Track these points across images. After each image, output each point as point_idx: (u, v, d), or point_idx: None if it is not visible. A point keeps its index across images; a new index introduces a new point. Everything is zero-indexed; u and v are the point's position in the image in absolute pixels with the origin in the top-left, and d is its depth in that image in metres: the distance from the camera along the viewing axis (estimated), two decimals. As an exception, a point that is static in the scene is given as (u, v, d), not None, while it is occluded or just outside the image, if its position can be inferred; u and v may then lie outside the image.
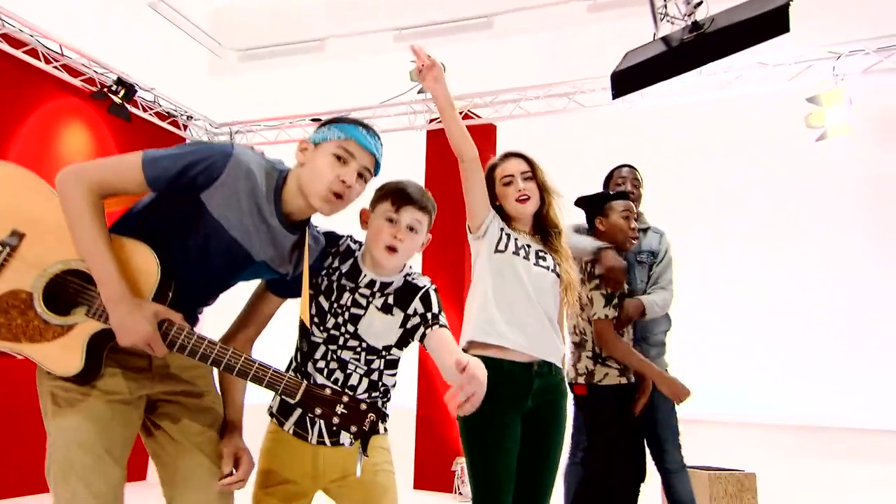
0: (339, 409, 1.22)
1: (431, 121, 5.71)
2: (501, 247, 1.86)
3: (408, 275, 1.61)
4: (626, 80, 3.27)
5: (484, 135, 5.87)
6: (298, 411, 1.46)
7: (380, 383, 1.55)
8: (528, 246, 1.92)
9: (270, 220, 1.34)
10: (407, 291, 1.57)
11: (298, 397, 1.21)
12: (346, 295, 1.52)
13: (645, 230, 2.65)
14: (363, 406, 1.21)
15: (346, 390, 1.39)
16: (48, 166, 4.69)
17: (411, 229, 1.50)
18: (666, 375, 2.34)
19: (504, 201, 1.95)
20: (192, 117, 6.01)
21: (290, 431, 1.49)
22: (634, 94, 4.05)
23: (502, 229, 1.91)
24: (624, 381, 2.27)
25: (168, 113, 5.77)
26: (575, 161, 6.82)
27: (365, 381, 1.51)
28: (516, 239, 1.91)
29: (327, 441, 1.50)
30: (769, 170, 6.22)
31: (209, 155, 1.25)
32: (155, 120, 5.66)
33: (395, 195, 1.50)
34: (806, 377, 5.85)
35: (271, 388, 1.25)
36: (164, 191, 1.29)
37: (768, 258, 6.41)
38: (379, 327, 1.53)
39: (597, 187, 7.94)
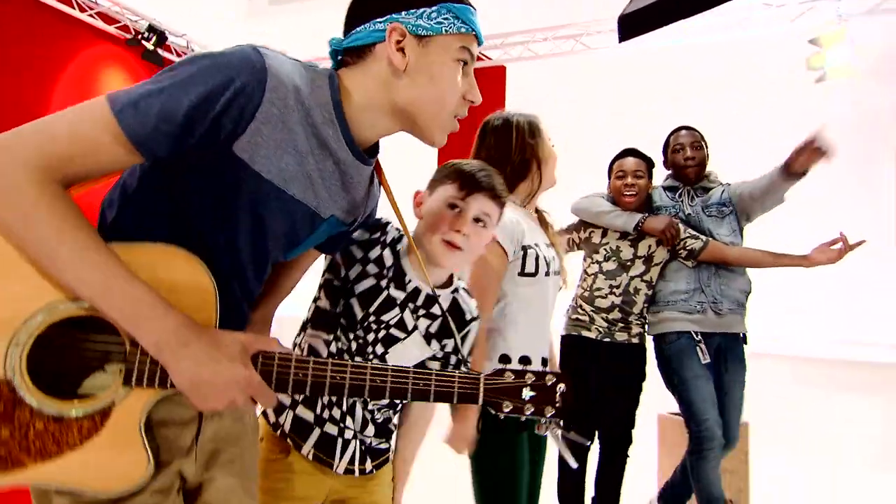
0: (527, 392, 0.85)
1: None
2: (530, 268, 1.42)
3: (456, 290, 1.19)
4: (633, 23, 3.18)
5: (494, 76, 5.81)
6: (318, 430, 1.04)
7: (389, 425, 1.15)
8: (548, 253, 1.51)
9: (340, 154, 0.83)
10: (455, 317, 1.14)
11: (481, 398, 0.82)
12: (395, 310, 1.09)
13: (708, 189, 2.42)
14: (548, 377, 0.85)
15: (515, 369, 0.87)
16: None
17: (479, 222, 1.11)
18: None
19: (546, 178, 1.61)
20: (222, 58, 6.03)
21: (310, 456, 1.04)
22: (640, 36, 4.00)
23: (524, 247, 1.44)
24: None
25: (200, 56, 5.80)
26: (582, 103, 6.74)
27: (371, 426, 1.08)
28: (538, 249, 1.46)
29: (356, 470, 1.08)
30: (770, 111, 6.06)
31: (231, 78, 0.69)
32: (189, 64, 5.70)
33: (464, 178, 1.12)
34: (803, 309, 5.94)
35: (445, 400, 0.83)
36: (163, 158, 0.72)
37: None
38: (412, 358, 1.11)
39: (602, 129, 7.84)
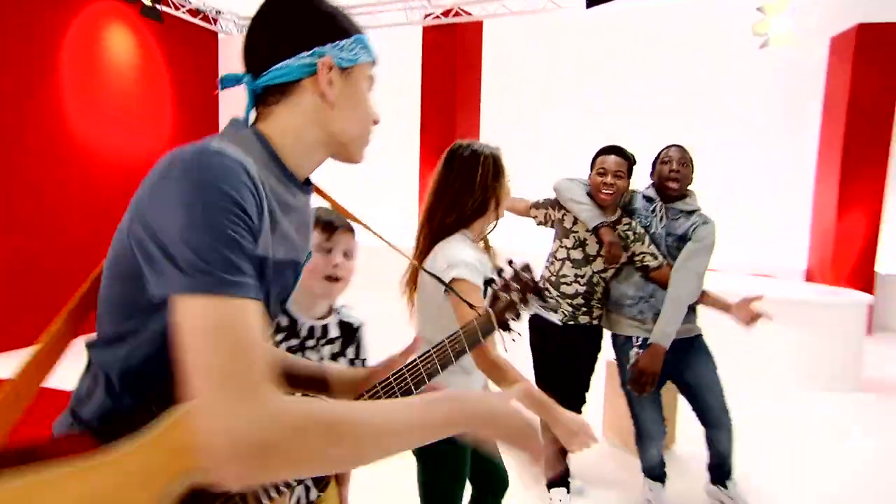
0: (514, 289, 1.06)
1: (427, 16, 5.80)
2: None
3: (338, 311, 1.33)
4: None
5: (473, 31, 6.03)
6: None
7: None
8: None
9: (297, 201, 0.82)
10: (346, 332, 1.31)
11: (496, 322, 1.02)
12: (298, 354, 1.23)
13: (689, 213, 2.31)
14: (514, 268, 1.06)
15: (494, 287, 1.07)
16: (97, 69, 4.92)
17: (346, 255, 1.25)
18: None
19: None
20: (220, 12, 6.01)
21: None
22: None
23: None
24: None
25: (198, 10, 5.76)
26: (552, 58, 7.01)
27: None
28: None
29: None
30: (733, 72, 6.45)
31: (228, 193, 0.61)
32: (188, 17, 5.67)
33: (325, 224, 1.23)
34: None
35: (476, 343, 1.00)
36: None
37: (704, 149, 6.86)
38: None
39: (569, 83, 8.13)
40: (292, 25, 0.77)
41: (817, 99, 5.78)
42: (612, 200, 2.22)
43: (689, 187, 2.34)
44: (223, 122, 5.57)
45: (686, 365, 2.27)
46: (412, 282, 1.61)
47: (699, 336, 2.33)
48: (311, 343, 1.24)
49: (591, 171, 2.28)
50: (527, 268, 1.07)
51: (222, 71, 6.21)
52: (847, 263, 5.32)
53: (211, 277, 0.56)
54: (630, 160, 2.27)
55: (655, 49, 6.42)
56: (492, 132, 6.47)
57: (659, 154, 2.39)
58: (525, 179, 7.34)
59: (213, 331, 0.54)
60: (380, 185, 7.33)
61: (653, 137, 6.59)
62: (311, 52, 0.76)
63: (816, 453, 2.95)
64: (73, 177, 4.78)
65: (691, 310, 2.24)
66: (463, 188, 1.51)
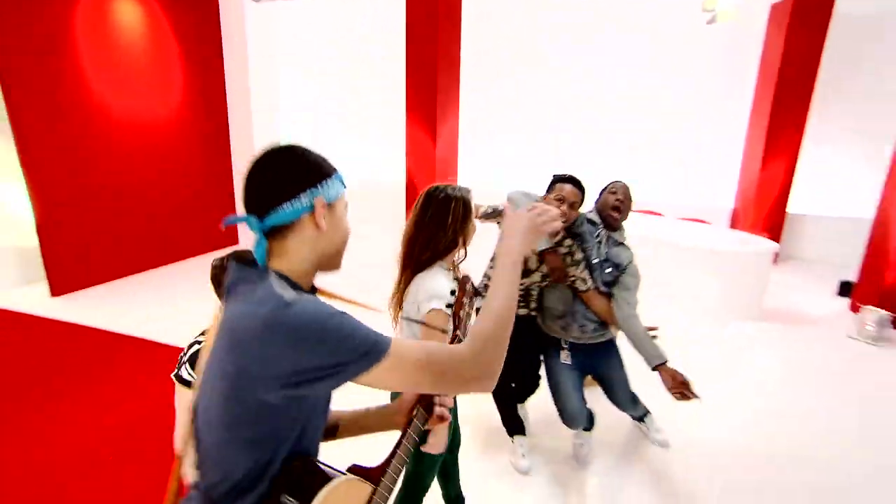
0: (467, 300, 1.26)
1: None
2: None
3: None
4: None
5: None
6: None
7: None
8: None
9: None
10: None
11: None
12: None
13: (623, 244, 2.46)
14: (460, 283, 1.28)
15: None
16: (109, 37, 5.03)
17: None
18: None
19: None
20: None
21: None
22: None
23: None
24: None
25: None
26: (528, 20, 7.35)
27: None
28: None
29: None
30: (670, 43, 6.97)
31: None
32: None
33: None
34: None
35: None
36: None
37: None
38: None
39: (544, 44, 8.49)
40: (291, 174, 0.90)
41: (755, 63, 6.39)
42: (565, 227, 2.33)
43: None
44: (229, 84, 5.78)
45: (601, 363, 2.51)
46: (398, 305, 1.75)
47: (612, 339, 2.54)
48: None
49: (549, 194, 2.32)
50: (465, 278, 1.27)
51: (225, 34, 6.25)
52: (765, 205, 6.23)
53: (379, 343, 0.83)
54: (583, 191, 2.32)
55: (621, 14, 6.89)
56: (471, 89, 6.89)
57: (606, 185, 2.49)
58: (502, 136, 8.06)
59: (416, 363, 0.85)
60: (374, 132, 8.46)
61: (618, 92, 7.26)
62: (307, 194, 0.90)
63: (718, 371, 3.68)
64: (93, 135, 5.10)
65: (608, 325, 2.44)
66: (437, 230, 1.65)
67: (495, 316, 0.91)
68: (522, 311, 2.47)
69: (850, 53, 6.14)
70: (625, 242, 2.45)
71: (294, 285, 0.89)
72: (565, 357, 2.43)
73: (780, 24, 5.81)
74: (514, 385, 2.65)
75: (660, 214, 6.03)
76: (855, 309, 4.64)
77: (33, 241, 4.85)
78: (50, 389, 3.31)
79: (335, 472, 0.93)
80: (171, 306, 4.73)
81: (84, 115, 4.99)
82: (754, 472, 2.60)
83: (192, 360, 1.57)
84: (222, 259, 1.64)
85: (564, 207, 2.22)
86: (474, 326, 0.92)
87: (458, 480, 1.96)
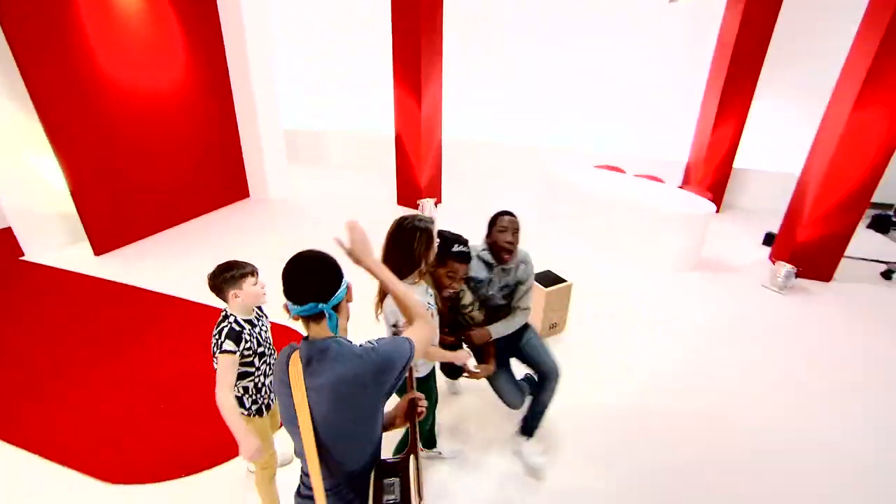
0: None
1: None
2: None
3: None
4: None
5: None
6: None
7: None
8: (431, 301, 2.22)
9: None
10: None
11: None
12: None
13: (508, 270, 2.59)
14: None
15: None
16: (113, 11, 5.27)
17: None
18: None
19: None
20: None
21: None
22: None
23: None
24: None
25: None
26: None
27: None
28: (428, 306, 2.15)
29: None
30: (635, 21, 7.23)
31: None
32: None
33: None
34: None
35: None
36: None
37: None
38: None
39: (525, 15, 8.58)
40: (334, 272, 1.31)
41: (714, 35, 6.68)
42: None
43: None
44: (228, 48, 6.07)
45: (522, 345, 2.75)
46: (379, 304, 2.10)
47: (526, 323, 2.77)
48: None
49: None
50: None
51: (221, 8, 6.36)
52: (714, 161, 6.83)
53: (411, 348, 1.37)
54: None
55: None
56: (453, 51, 7.18)
57: (494, 220, 2.54)
58: (482, 93, 8.54)
59: (419, 345, 1.41)
60: (363, 91, 8.73)
61: (590, 59, 7.63)
62: (343, 283, 1.32)
63: (650, 316, 4.42)
64: (110, 107, 5.47)
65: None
66: (405, 257, 2.01)
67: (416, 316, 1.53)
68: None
69: (804, 17, 6.46)
70: (519, 262, 2.58)
71: (348, 341, 1.33)
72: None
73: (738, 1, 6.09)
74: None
75: (622, 171, 6.65)
76: (772, 260, 5.48)
77: (71, 206, 5.42)
78: (100, 344, 3.94)
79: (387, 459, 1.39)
80: (199, 261, 5.41)
81: (98, 89, 5.30)
82: (667, 402, 3.44)
83: (230, 336, 1.99)
84: (215, 273, 2.08)
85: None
86: (412, 328, 1.47)
87: (434, 424, 2.73)
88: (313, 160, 10.03)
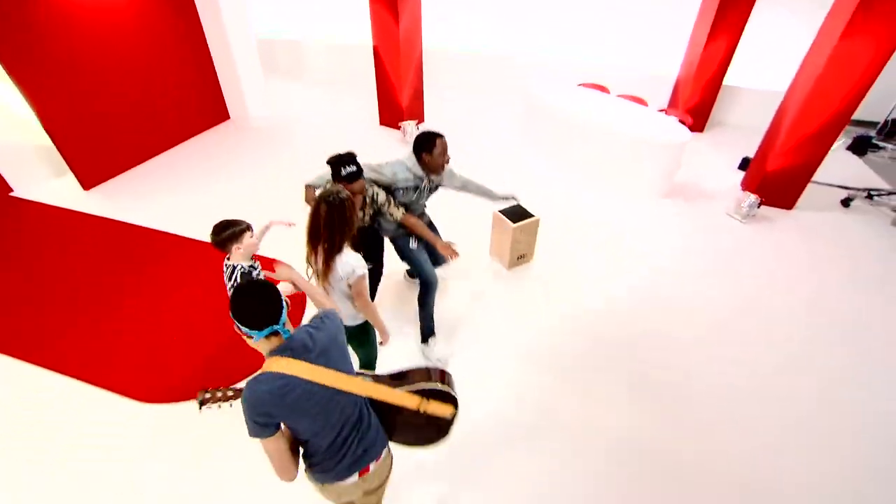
0: None
1: None
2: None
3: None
4: None
5: None
6: None
7: None
8: None
9: None
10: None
11: None
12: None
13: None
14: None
15: None
16: None
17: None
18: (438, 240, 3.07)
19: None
20: None
21: None
22: None
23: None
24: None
25: None
26: None
27: None
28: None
29: None
30: None
31: None
32: None
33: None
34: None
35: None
36: None
37: None
38: None
39: None
40: (277, 295, 1.46)
41: None
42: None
43: None
44: None
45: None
46: (325, 276, 2.19)
47: (431, 222, 3.39)
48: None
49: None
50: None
51: None
52: (703, 77, 6.49)
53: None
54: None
55: None
56: None
57: (433, 140, 2.87)
58: (467, 13, 7.90)
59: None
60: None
61: None
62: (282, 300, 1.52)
63: (614, 244, 4.55)
64: (70, 34, 5.16)
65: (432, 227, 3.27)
66: (339, 225, 2.09)
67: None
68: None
69: None
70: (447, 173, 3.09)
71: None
72: (414, 243, 3.20)
73: None
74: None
75: (606, 90, 6.36)
76: (742, 187, 5.48)
77: (48, 140, 5.30)
78: (103, 281, 4.15)
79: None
80: (186, 195, 5.48)
81: (46, 8, 4.93)
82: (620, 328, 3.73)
83: (242, 277, 2.38)
84: (217, 232, 2.41)
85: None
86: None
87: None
88: (293, 73, 9.50)
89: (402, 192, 2.98)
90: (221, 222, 2.40)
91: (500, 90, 8.34)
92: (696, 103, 6.62)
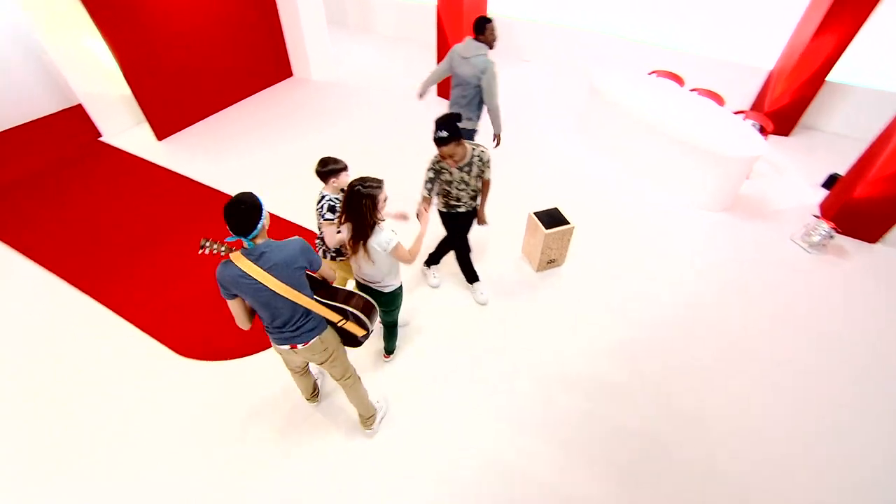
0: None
1: None
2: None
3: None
4: None
5: None
6: None
7: None
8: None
9: None
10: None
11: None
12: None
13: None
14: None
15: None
16: None
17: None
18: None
19: None
20: None
21: None
22: None
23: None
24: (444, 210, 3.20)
25: None
26: None
27: None
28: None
29: None
30: None
31: None
32: None
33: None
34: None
35: None
36: None
37: None
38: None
39: None
40: (259, 205, 1.86)
41: None
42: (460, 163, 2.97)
43: None
44: None
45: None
46: (353, 251, 2.42)
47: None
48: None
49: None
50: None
51: None
52: (806, 71, 5.40)
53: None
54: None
55: None
56: None
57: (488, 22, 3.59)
58: None
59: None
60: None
61: None
62: (263, 210, 1.90)
63: (655, 255, 4.07)
64: None
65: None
66: (367, 211, 2.24)
67: None
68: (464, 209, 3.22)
69: None
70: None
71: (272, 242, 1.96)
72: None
73: None
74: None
75: (680, 81, 5.51)
76: (821, 213, 4.64)
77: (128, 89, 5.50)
78: (162, 230, 4.35)
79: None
80: (246, 156, 5.56)
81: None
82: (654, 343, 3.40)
83: (331, 209, 2.63)
84: (324, 163, 2.71)
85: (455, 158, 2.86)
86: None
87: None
88: (361, 28, 9.13)
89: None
90: (327, 158, 2.71)
91: (565, 68, 7.53)
92: (788, 103, 5.60)
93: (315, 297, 2.15)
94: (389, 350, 3.27)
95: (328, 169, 2.68)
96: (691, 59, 6.28)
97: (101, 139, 5.89)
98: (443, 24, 5.91)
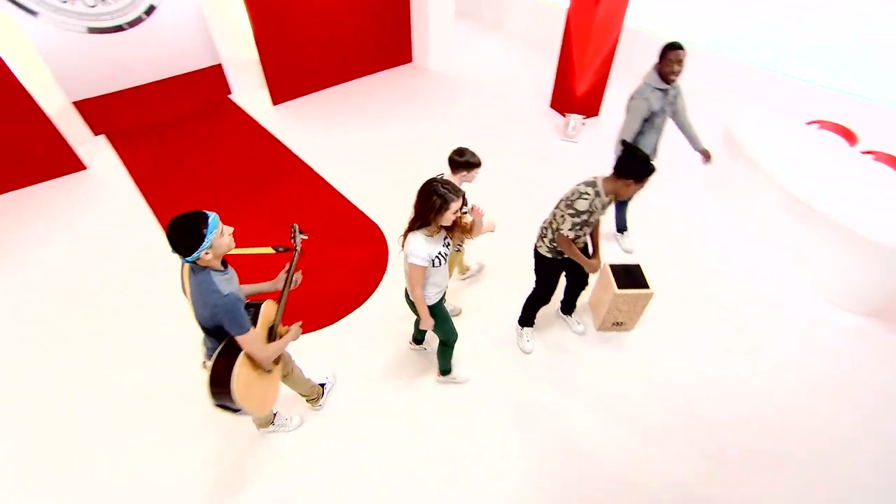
0: None
1: None
2: (436, 264, 2.25)
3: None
4: None
5: None
6: None
7: None
8: (443, 250, 2.26)
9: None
10: None
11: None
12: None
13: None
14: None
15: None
16: None
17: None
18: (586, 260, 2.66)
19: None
20: None
21: None
22: None
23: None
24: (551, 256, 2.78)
25: None
26: None
27: None
28: (437, 255, 2.26)
29: None
30: None
31: None
32: None
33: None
34: None
35: None
36: None
37: None
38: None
39: None
40: (197, 234, 1.72)
41: None
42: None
43: None
44: None
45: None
46: (402, 245, 2.26)
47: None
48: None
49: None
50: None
51: None
52: None
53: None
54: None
55: None
56: None
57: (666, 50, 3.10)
58: None
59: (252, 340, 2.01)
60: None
61: None
62: (206, 238, 1.74)
63: (755, 353, 3.24)
64: None
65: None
66: (423, 210, 2.10)
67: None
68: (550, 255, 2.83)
69: None
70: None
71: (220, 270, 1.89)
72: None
73: None
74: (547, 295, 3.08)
75: (851, 136, 4.30)
76: None
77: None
78: (260, 185, 4.52)
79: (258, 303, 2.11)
80: (352, 132, 5.56)
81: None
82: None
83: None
84: (461, 153, 2.68)
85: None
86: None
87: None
88: (494, 24, 8.72)
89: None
90: (465, 149, 2.61)
91: (708, 101, 6.38)
92: None
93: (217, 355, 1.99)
94: (440, 370, 3.03)
95: (464, 160, 2.58)
96: (870, 109, 4.90)
97: (230, 96, 6.31)
98: (570, 30, 5.32)
